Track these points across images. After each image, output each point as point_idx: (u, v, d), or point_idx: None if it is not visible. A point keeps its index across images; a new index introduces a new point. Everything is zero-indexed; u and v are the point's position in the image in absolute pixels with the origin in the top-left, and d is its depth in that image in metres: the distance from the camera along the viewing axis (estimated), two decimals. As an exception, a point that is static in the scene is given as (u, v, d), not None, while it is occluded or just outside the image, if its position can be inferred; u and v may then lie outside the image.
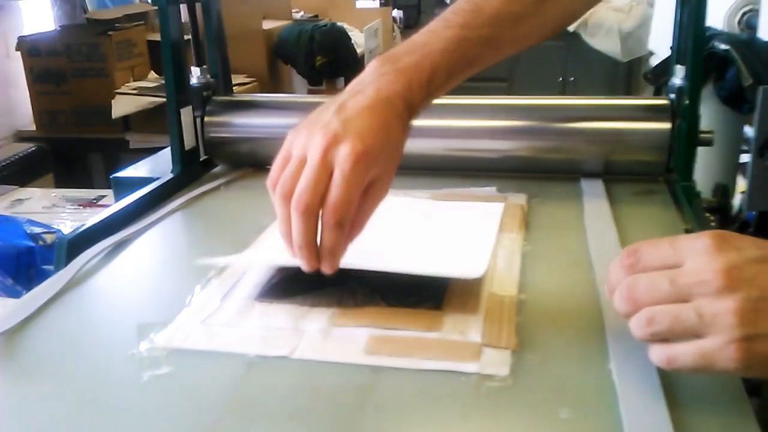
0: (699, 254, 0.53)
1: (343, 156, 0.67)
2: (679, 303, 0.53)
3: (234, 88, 1.41)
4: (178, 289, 0.82)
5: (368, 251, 0.77)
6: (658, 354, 0.56)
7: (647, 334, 0.56)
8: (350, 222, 0.69)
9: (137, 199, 1.06)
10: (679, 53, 1.09)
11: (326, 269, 0.71)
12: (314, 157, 0.68)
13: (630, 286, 0.56)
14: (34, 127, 3.15)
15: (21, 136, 3.13)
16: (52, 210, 2.23)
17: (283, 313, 0.76)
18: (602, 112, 1.11)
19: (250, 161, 1.24)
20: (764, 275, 0.51)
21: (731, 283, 0.51)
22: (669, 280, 0.54)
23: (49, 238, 1.71)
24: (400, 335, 0.71)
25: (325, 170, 0.67)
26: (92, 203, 2.27)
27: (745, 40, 1.96)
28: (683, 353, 0.54)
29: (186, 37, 1.20)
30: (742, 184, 1.96)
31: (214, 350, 0.70)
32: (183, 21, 1.18)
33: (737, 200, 1.87)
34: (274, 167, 0.73)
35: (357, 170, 0.66)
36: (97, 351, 0.72)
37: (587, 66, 3.86)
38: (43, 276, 1.61)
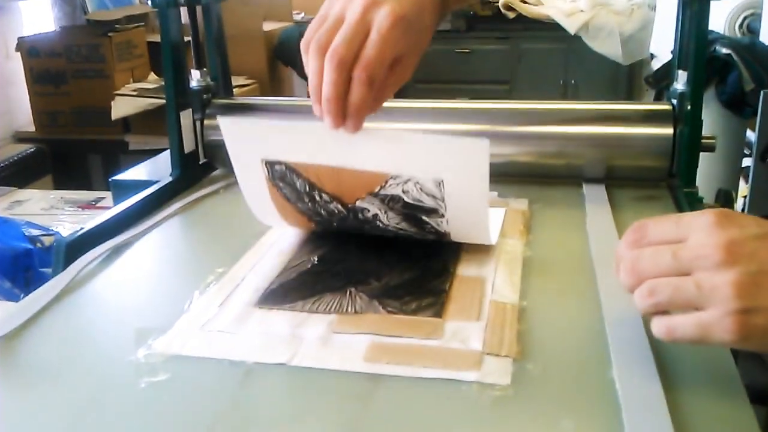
0: (701, 230, 0.54)
1: (382, 16, 0.69)
2: (680, 276, 0.55)
3: (234, 90, 1.41)
4: (176, 293, 0.82)
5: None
6: (659, 325, 0.58)
7: (649, 305, 0.57)
8: (378, 86, 0.71)
9: (136, 203, 1.06)
10: (680, 58, 1.08)
11: (350, 128, 0.73)
12: (354, 13, 0.70)
13: (634, 259, 0.58)
14: (33, 128, 3.15)
15: (20, 137, 3.13)
16: (51, 212, 2.22)
17: (282, 320, 0.75)
18: (604, 117, 1.10)
19: (250, 164, 1.23)
20: (764, 251, 0.52)
21: (731, 257, 0.52)
22: (671, 254, 0.55)
23: (47, 241, 1.71)
24: (400, 343, 0.71)
25: (363, 28, 0.69)
26: (91, 205, 2.26)
27: (746, 44, 1.96)
28: (682, 324, 0.55)
29: (186, 38, 1.19)
30: (744, 188, 1.96)
31: (213, 357, 0.70)
32: (183, 23, 1.18)
33: (740, 204, 1.87)
34: (310, 28, 0.73)
35: (393, 31, 0.69)
36: (95, 356, 0.72)
37: (588, 69, 3.86)
38: (41, 279, 1.61)
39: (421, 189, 0.80)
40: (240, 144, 0.87)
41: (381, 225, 0.86)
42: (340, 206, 0.86)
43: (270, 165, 0.85)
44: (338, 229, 0.90)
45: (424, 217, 0.83)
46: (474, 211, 0.82)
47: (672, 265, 0.55)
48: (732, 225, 0.54)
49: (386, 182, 0.81)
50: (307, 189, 0.85)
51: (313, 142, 0.81)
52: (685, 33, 1.06)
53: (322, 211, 0.87)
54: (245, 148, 0.87)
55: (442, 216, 0.82)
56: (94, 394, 0.65)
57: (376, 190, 0.82)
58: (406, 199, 0.82)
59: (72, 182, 2.94)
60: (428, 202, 0.81)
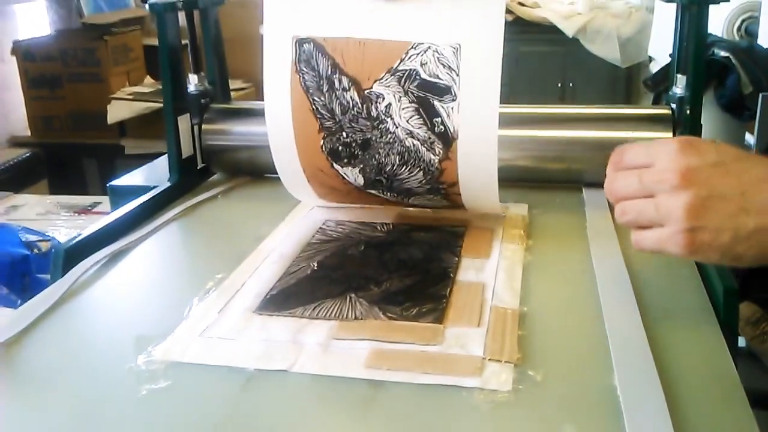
0: (665, 155, 0.62)
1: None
2: (645, 198, 0.63)
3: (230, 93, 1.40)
4: (175, 300, 0.81)
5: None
6: (632, 238, 0.67)
7: (623, 222, 0.67)
8: None
9: (134, 208, 1.05)
10: (679, 62, 1.08)
11: None
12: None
13: (610, 181, 0.68)
14: (28, 133, 3.14)
15: (15, 142, 3.12)
16: (47, 217, 2.21)
17: (282, 326, 0.75)
18: (603, 121, 1.10)
19: (248, 169, 1.23)
20: (716, 177, 0.60)
21: (686, 182, 0.60)
22: (638, 179, 0.64)
23: (44, 246, 1.70)
24: (401, 349, 0.70)
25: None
26: (87, 210, 2.25)
27: (744, 47, 1.96)
28: (646, 238, 0.65)
29: (183, 41, 1.19)
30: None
31: (213, 364, 0.69)
32: (180, 25, 1.18)
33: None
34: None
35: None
36: (94, 363, 0.71)
37: (586, 72, 3.86)
38: (38, 285, 1.61)
39: (438, 59, 0.82)
40: (277, 19, 0.89)
41: (391, 124, 0.85)
42: (355, 95, 0.86)
43: (299, 44, 0.87)
44: (344, 143, 0.90)
45: (436, 103, 0.83)
46: (486, 87, 0.82)
47: (638, 188, 0.64)
48: (692, 152, 0.61)
49: (407, 53, 0.83)
50: (329, 72, 0.87)
51: (345, 13, 0.84)
52: (683, 37, 1.06)
53: (336, 107, 0.87)
54: (281, 23, 0.89)
55: (455, 99, 0.83)
56: (94, 402, 0.65)
57: (396, 64, 0.84)
58: (422, 74, 0.83)
59: (68, 187, 2.93)
60: (444, 78, 0.82)
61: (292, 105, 0.92)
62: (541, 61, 3.92)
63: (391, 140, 0.87)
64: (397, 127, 0.86)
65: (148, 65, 3.20)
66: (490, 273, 0.85)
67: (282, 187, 1.15)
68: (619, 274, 0.83)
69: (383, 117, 0.86)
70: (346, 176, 0.93)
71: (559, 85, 3.97)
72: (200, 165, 1.23)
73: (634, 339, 0.69)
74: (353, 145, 0.89)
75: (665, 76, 2.01)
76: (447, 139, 0.86)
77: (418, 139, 0.86)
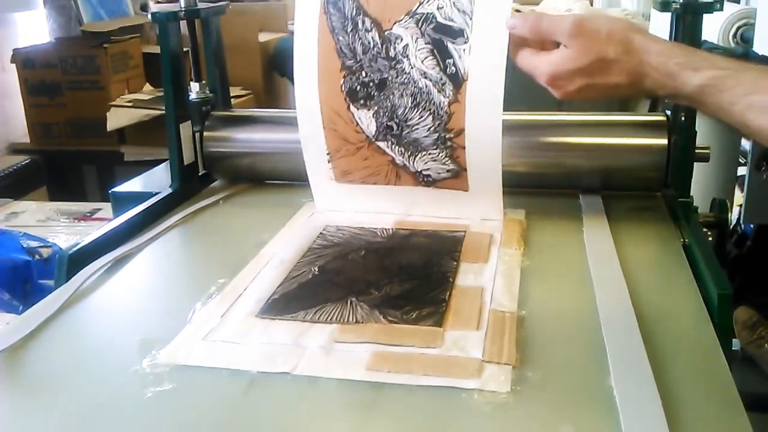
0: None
1: None
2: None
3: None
4: (178, 304, 0.83)
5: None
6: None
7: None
8: None
9: (136, 214, 1.06)
10: (674, 69, 1.09)
11: None
12: None
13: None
14: (28, 140, 3.14)
15: (15, 149, 3.13)
16: (47, 223, 2.22)
17: (284, 330, 0.76)
18: (600, 128, 1.12)
19: (249, 176, 1.24)
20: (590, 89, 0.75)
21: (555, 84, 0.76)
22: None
23: (45, 252, 1.71)
24: (401, 352, 0.72)
25: None
26: (87, 216, 2.26)
27: (739, 54, 1.98)
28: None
29: (184, 48, 1.20)
30: (739, 196, 1.97)
31: (217, 367, 0.70)
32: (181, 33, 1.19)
33: (735, 213, 1.88)
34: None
35: None
36: (100, 367, 0.72)
37: (581, 79, 3.87)
38: (40, 290, 1.61)
39: (454, 4, 0.89)
40: None
41: (407, 65, 0.91)
42: (376, 36, 0.92)
43: None
44: (362, 82, 0.95)
45: (449, 45, 0.89)
46: (497, 30, 0.86)
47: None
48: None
49: None
50: (354, 13, 0.93)
51: None
52: (678, 45, 1.07)
53: (358, 46, 0.93)
54: None
55: (467, 42, 0.88)
56: (100, 405, 0.66)
57: (415, 7, 0.90)
58: (438, 18, 0.89)
59: (67, 193, 2.93)
60: (458, 21, 0.88)
61: (318, 44, 0.97)
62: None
63: (405, 81, 0.92)
64: (412, 68, 0.91)
65: (148, 73, 3.21)
66: (488, 277, 0.86)
67: (282, 193, 1.17)
68: (615, 278, 0.84)
69: (400, 57, 0.92)
70: (360, 121, 0.97)
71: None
72: (201, 172, 1.24)
73: (630, 342, 0.71)
74: (371, 84, 0.94)
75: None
76: (457, 80, 0.90)
77: (431, 80, 0.91)
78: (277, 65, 3.40)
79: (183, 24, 1.20)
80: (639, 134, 1.09)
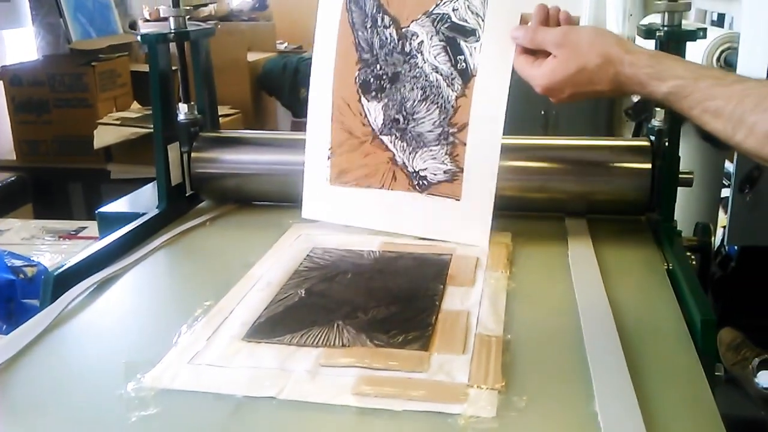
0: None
1: None
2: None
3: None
4: (164, 327, 0.82)
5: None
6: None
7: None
8: None
9: (123, 235, 1.06)
10: (658, 95, 1.11)
11: None
12: None
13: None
14: (14, 157, 3.13)
15: (0, 166, 3.11)
16: (32, 241, 2.20)
17: (270, 353, 0.76)
18: (585, 152, 1.13)
19: (236, 197, 1.24)
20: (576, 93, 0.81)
21: (550, 93, 0.83)
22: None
23: (30, 271, 1.70)
24: (387, 376, 0.72)
25: None
26: (72, 235, 2.25)
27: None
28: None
29: (173, 67, 1.20)
30: (723, 218, 1.99)
31: (202, 391, 0.70)
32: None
33: (719, 234, 1.89)
34: None
35: None
36: (84, 391, 0.72)
37: (568, 100, 3.90)
38: (24, 310, 1.60)
39: (468, 7, 0.94)
40: None
41: (420, 60, 0.97)
42: (394, 32, 0.98)
43: None
44: (376, 75, 1.00)
45: (462, 43, 0.94)
46: (506, 32, 0.90)
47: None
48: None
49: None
50: (374, 11, 0.99)
51: None
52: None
53: (376, 41, 0.99)
54: None
55: (478, 40, 0.93)
56: (85, 429, 0.66)
57: (432, 7, 0.96)
58: (453, 18, 0.95)
59: (53, 211, 2.91)
60: (471, 23, 0.94)
61: (338, 38, 1.04)
62: (524, 89, 3.96)
63: (417, 74, 0.97)
64: (425, 62, 0.97)
65: (136, 91, 3.21)
66: (474, 301, 0.87)
67: (269, 215, 1.17)
68: (599, 302, 0.85)
69: (415, 53, 0.97)
70: (368, 113, 1.01)
71: (543, 113, 4.01)
72: (189, 192, 1.24)
73: (614, 368, 0.71)
74: (384, 77, 1.00)
75: (646, 106, 2.04)
76: (467, 75, 0.95)
77: (442, 74, 0.96)
78: (265, 84, 3.41)
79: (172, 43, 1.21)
80: (623, 159, 1.11)
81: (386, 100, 1.00)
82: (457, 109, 0.96)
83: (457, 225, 1.01)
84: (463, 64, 0.96)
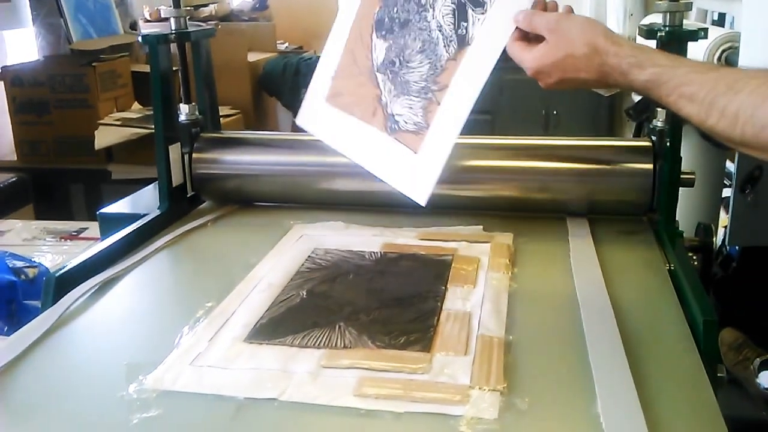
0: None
1: None
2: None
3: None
4: (166, 328, 0.82)
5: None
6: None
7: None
8: None
9: (124, 236, 1.06)
10: (660, 95, 1.10)
11: None
12: None
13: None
14: (14, 157, 3.13)
15: (1, 166, 3.11)
16: (33, 242, 2.20)
17: (272, 355, 0.76)
18: (586, 152, 1.13)
19: (238, 198, 1.24)
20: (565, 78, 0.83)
21: (539, 76, 0.85)
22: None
23: (31, 272, 1.69)
24: (389, 377, 0.72)
25: None
26: (73, 235, 2.25)
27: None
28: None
29: (174, 67, 1.20)
30: (724, 218, 1.98)
31: (204, 392, 0.70)
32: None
33: (720, 235, 1.89)
34: None
35: None
36: (86, 392, 0.72)
37: (570, 100, 3.89)
38: (25, 311, 1.60)
39: None
40: None
41: (430, 15, 0.98)
42: None
43: None
44: (390, 17, 1.02)
45: (469, 11, 0.94)
46: (511, 13, 0.90)
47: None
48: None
49: None
50: None
51: None
52: (663, 71, 1.09)
53: None
54: None
55: (484, 13, 0.93)
56: (87, 431, 0.66)
57: None
58: None
59: (53, 212, 2.91)
60: None
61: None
62: (525, 89, 3.95)
63: (423, 27, 0.99)
64: (433, 18, 0.98)
65: (136, 91, 3.21)
66: (476, 301, 0.87)
67: (271, 215, 1.17)
68: (601, 303, 0.85)
69: (428, 6, 0.99)
70: (374, 48, 1.04)
71: (543, 113, 4.01)
72: (190, 193, 1.24)
73: (616, 369, 0.71)
74: (396, 21, 1.02)
75: (647, 106, 2.04)
76: (463, 42, 0.95)
77: (443, 34, 0.97)
78: (265, 85, 3.41)
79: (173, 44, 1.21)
80: (625, 159, 1.11)
81: (391, 42, 1.03)
82: (444, 70, 0.98)
83: (405, 176, 1.02)
84: (464, 30, 0.97)
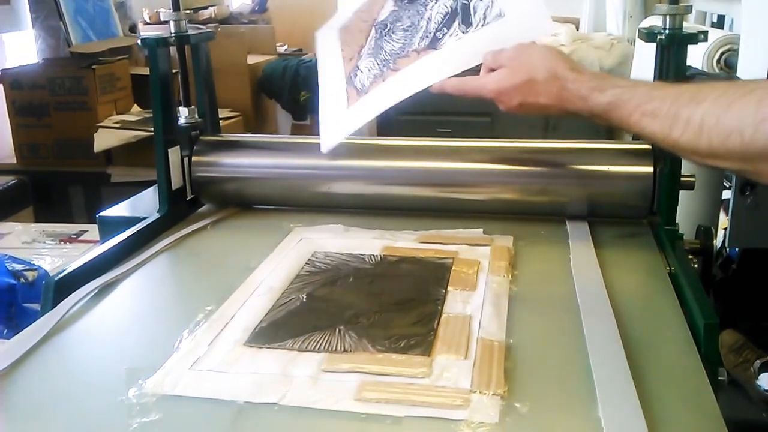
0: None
1: None
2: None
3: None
4: (166, 332, 0.82)
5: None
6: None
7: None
8: None
9: (124, 240, 1.06)
10: (660, 98, 1.10)
11: None
12: None
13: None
14: (14, 160, 3.13)
15: (1, 169, 3.11)
16: (32, 245, 2.20)
17: (272, 359, 0.76)
18: (586, 155, 1.13)
19: (237, 201, 1.24)
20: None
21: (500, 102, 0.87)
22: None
23: (30, 275, 1.69)
24: (390, 381, 0.71)
25: None
26: (72, 238, 2.25)
27: (724, 79, 2.00)
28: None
29: (173, 70, 1.20)
30: (724, 220, 1.98)
31: (204, 397, 0.70)
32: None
33: (720, 237, 1.89)
34: None
35: None
36: (85, 397, 0.72)
37: (568, 102, 3.89)
38: (24, 314, 1.60)
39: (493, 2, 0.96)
40: None
41: (430, 5, 1.00)
42: None
43: None
44: (400, 1, 1.05)
45: (456, 23, 0.96)
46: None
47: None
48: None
49: None
50: None
51: None
52: (663, 74, 1.09)
53: None
54: None
55: (465, 32, 0.95)
56: (86, 436, 0.66)
57: None
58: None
59: (53, 214, 2.91)
60: (485, 11, 0.95)
61: None
62: (525, 91, 3.95)
63: (420, 11, 1.02)
64: (431, 9, 1.01)
65: (136, 94, 3.21)
66: (476, 305, 0.87)
67: (271, 218, 1.17)
68: (602, 306, 0.85)
69: None
70: (382, 8, 1.07)
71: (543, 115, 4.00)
72: (189, 196, 1.24)
73: (617, 372, 0.71)
74: None
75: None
76: (434, 44, 0.98)
77: (426, 27, 1.00)
78: (265, 87, 3.41)
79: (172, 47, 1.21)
80: (625, 162, 1.10)
81: (397, 9, 1.06)
82: (406, 57, 1.00)
83: (328, 121, 1.06)
84: (441, 35, 0.99)
